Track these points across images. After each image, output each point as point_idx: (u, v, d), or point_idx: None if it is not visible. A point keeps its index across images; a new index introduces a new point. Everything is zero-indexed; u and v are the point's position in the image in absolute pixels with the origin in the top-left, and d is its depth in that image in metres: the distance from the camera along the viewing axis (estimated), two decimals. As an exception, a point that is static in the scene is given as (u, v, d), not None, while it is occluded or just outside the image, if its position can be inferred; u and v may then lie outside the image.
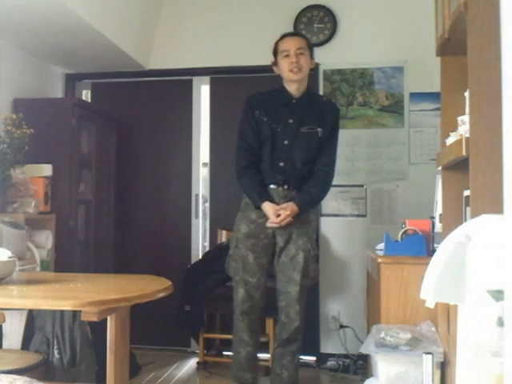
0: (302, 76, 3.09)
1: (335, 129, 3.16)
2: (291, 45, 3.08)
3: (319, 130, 3.09)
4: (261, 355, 3.47)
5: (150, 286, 2.14)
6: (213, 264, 3.97)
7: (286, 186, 3.08)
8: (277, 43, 3.15)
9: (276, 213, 2.99)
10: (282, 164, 3.08)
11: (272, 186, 3.09)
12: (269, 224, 3.03)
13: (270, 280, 3.19)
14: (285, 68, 3.08)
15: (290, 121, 3.10)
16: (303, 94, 3.13)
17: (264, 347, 3.60)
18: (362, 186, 4.28)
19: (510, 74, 0.87)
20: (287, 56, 3.06)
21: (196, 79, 4.69)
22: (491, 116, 1.70)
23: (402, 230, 2.78)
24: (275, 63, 3.15)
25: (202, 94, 4.70)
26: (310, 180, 3.09)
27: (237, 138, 3.20)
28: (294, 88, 3.11)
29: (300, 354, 3.19)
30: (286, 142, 3.08)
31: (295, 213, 3.00)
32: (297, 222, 3.03)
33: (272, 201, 3.04)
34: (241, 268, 3.09)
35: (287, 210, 2.99)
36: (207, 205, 4.73)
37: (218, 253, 3.98)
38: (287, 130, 3.09)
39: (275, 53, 3.15)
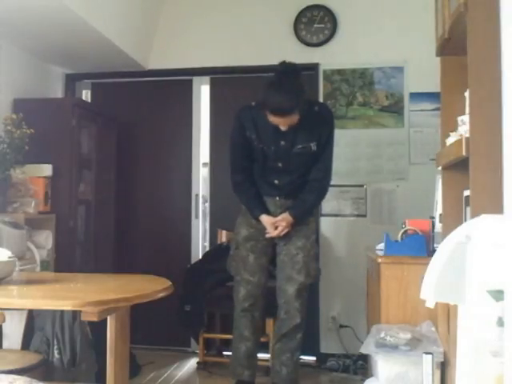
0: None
1: (330, 138, 3.07)
2: (279, 121, 2.88)
3: (312, 144, 3.01)
4: (261, 355, 3.47)
5: (150, 286, 2.14)
6: (213, 264, 3.97)
7: (282, 196, 3.13)
8: (264, 106, 2.86)
9: (273, 225, 3.05)
10: (276, 182, 3.11)
11: (268, 197, 3.14)
12: (268, 235, 3.09)
13: (270, 280, 3.22)
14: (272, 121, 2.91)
15: (282, 143, 3.00)
16: None
17: (264, 347, 3.60)
18: (362, 186, 4.28)
19: (510, 74, 0.87)
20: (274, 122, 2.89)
21: (196, 79, 4.69)
22: (491, 116, 1.70)
23: (402, 230, 2.78)
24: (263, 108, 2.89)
25: (202, 94, 4.70)
26: (305, 188, 3.09)
27: (229, 152, 3.23)
28: None
29: (300, 353, 3.20)
30: (280, 165, 3.07)
31: (291, 223, 3.05)
32: (295, 224, 3.08)
33: (268, 210, 3.10)
34: (242, 268, 3.14)
35: (283, 221, 3.05)
36: (207, 205, 4.73)
37: (217, 253, 3.98)
38: (279, 152, 3.02)
39: (263, 105, 2.87)
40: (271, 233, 3.07)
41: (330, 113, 3.18)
